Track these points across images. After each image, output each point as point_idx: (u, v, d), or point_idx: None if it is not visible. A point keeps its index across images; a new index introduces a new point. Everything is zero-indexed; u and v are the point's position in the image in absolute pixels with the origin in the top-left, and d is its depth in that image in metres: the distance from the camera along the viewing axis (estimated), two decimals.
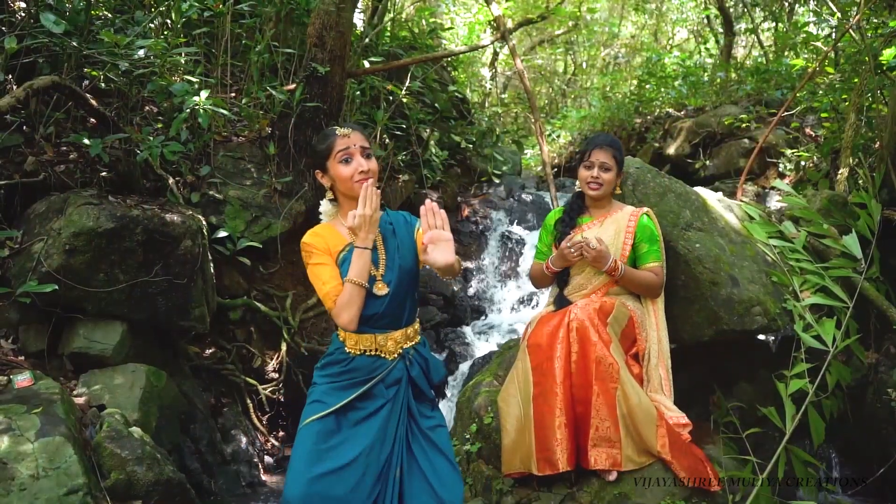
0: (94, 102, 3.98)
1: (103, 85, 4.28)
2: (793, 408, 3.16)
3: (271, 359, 4.75)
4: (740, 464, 3.14)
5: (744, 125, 6.91)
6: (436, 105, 7.46)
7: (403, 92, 6.52)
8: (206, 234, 4.08)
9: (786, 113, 5.98)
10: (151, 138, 4.03)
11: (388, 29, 7.70)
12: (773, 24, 10.21)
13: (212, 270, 4.17)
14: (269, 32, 5.24)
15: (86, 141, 3.85)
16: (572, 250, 3.00)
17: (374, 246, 2.31)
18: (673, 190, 3.55)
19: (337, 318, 2.19)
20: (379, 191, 2.17)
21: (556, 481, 2.93)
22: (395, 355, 2.29)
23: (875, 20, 4.73)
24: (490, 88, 13.49)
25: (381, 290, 2.26)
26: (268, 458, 4.46)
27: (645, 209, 3.24)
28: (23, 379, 3.16)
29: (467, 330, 5.77)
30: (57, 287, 3.43)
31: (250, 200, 4.60)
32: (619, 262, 3.05)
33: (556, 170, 9.32)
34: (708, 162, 7.05)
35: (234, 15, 5.05)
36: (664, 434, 2.86)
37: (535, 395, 2.93)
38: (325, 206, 2.40)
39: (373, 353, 2.27)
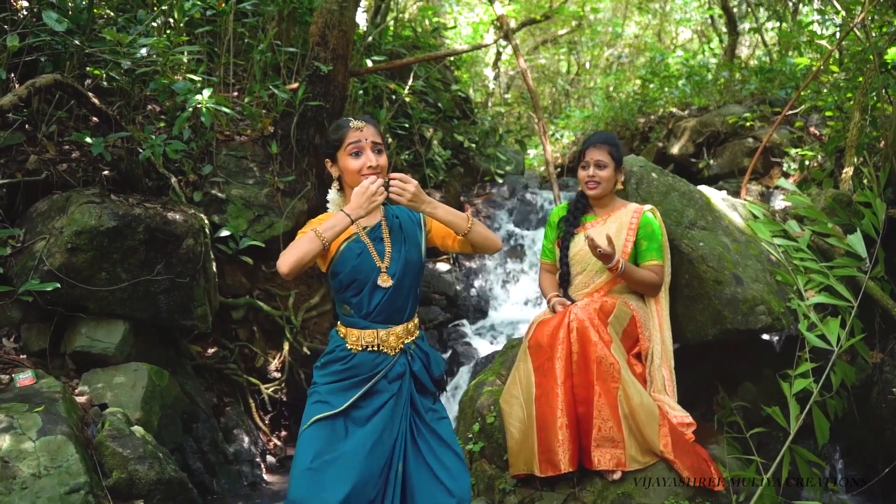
0: (96, 101, 3.98)
1: (105, 83, 4.28)
2: (797, 407, 3.14)
3: (273, 358, 4.74)
4: (744, 463, 3.12)
5: (748, 124, 6.89)
6: (439, 104, 7.45)
7: (406, 91, 6.51)
8: (208, 233, 4.07)
9: (790, 112, 5.95)
10: (154, 137, 4.02)
11: (391, 28, 7.71)
12: (777, 23, 10.18)
13: (214, 269, 4.16)
14: (271, 31, 5.24)
15: (88, 140, 3.84)
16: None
17: (381, 237, 2.31)
18: (676, 188, 3.53)
19: (280, 263, 2.14)
20: (383, 188, 2.16)
21: (560, 481, 2.92)
22: (397, 350, 2.28)
23: (879, 19, 4.71)
24: (493, 88, 13.47)
25: (385, 281, 2.26)
26: (270, 458, 4.45)
27: (648, 206, 3.22)
28: (25, 378, 3.15)
29: (470, 329, 5.76)
30: (59, 286, 3.42)
31: (253, 199, 4.59)
32: (621, 260, 3.03)
33: (559, 169, 9.30)
34: (712, 161, 7.02)
35: (236, 14, 5.04)
36: (667, 434, 2.85)
37: (538, 396, 2.91)
38: (332, 194, 2.41)
39: (374, 349, 2.26)
